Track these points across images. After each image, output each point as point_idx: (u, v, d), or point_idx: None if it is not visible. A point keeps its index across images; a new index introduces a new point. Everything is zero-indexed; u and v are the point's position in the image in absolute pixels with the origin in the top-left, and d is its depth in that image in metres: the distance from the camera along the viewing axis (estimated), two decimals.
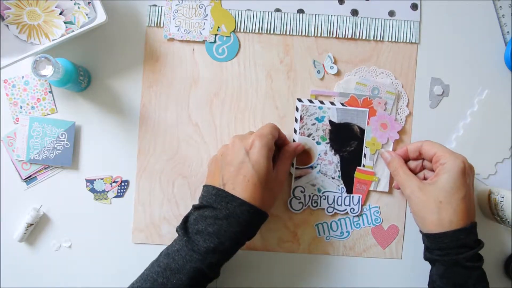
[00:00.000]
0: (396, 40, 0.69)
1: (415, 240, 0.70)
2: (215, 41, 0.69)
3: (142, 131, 0.69)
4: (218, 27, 0.68)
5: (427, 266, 0.70)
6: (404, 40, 0.69)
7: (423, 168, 0.65)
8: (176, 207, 0.69)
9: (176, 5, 0.69)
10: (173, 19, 0.68)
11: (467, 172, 0.58)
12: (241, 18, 0.69)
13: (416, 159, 0.65)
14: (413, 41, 0.69)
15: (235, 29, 0.69)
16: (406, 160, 0.65)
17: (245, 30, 0.69)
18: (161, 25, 0.69)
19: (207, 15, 0.69)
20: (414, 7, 0.69)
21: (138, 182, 0.69)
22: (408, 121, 0.69)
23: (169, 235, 0.69)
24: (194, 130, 0.69)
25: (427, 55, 0.70)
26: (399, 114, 0.69)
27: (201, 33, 0.69)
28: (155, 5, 0.69)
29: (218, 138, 0.69)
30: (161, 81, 0.69)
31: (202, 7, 0.69)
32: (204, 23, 0.69)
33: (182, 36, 0.68)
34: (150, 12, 0.69)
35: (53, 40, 0.65)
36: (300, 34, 0.69)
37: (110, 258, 0.70)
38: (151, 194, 0.69)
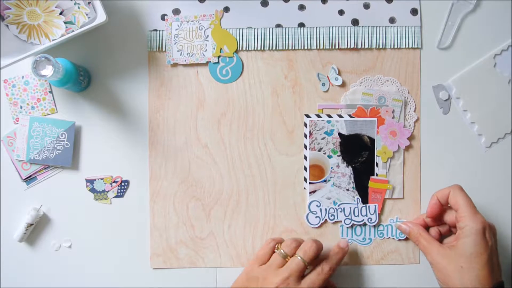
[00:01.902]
0: (399, 47, 0.69)
1: None
2: (218, 62, 0.69)
3: (152, 156, 0.69)
4: (221, 48, 0.68)
5: None
6: (407, 46, 0.69)
7: (441, 233, 0.66)
8: (192, 229, 0.69)
9: (176, 29, 0.69)
10: (175, 43, 0.68)
11: (487, 234, 0.58)
12: (242, 36, 0.69)
13: (440, 212, 0.65)
14: (416, 46, 0.69)
15: (237, 49, 0.69)
16: (425, 226, 0.66)
17: (247, 48, 0.69)
18: (163, 50, 0.69)
19: (208, 36, 0.69)
20: (414, 12, 0.69)
21: (152, 206, 0.69)
22: (416, 126, 0.69)
23: (187, 258, 0.69)
24: (204, 151, 0.69)
25: (431, 59, 0.70)
26: (407, 121, 0.69)
27: (204, 55, 0.69)
28: (156, 30, 0.69)
29: (229, 157, 0.69)
30: (167, 106, 0.69)
31: (202, 28, 0.69)
32: (206, 45, 0.69)
33: (185, 60, 0.68)
34: (151, 37, 0.69)
35: (53, 40, 0.64)
36: (302, 48, 0.69)
37: (110, 258, 0.70)
38: (166, 218, 0.69)
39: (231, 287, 0.64)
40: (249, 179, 0.69)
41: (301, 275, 0.62)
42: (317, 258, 0.64)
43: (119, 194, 0.69)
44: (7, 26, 0.65)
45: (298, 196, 0.69)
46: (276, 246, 0.65)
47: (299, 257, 0.62)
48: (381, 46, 0.69)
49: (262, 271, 0.62)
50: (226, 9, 0.69)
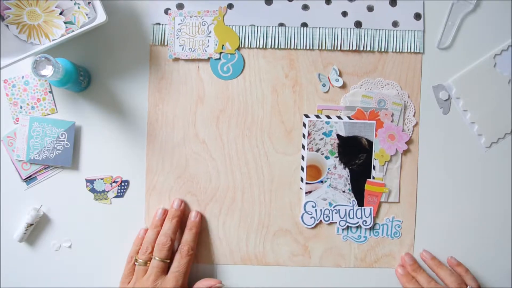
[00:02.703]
0: (401, 51, 0.69)
1: (426, 249, 0.70)
2: (219, 59, 0.69)
3: (149, 150, 0.69)
4: (223, 45, 0.68)
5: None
6: (409, 50, 0.69)
7: None
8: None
9: (179, 23, 0.68)
10: (177, 38, 0.68)
11: None
12: (244, 33, 0.69)
13: None
14: (418, 50, 0.69)
15: (239, 46, 0.69)
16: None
17: (249, 46, 0.69)
18: (165, 44, 0.69)
19: (210, 32, 0.69)
20: (417, 16, 0.69)
21: (147, 200, 0.69)
22: (415, 131, 0.69)
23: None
24: (202, 147, 0.69)
25: (431, 59, 0.70)
26: (406, 125, 0.69)
27: (205, 51, 0.68)
28: (159, 24, 0.69)
29: (226, 154, 0.69)
30: (167, 100, 0.69)
31: (205, 24, 0.69)
32: (208, 40, 0.69)
33: (187, 55, 0.68)
34: (154, 30, 0.69)
35: (53, 40, 0.64)
36: (304, 47, 0.69)
37: (110, 258, 0.70)
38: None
39: None
40: (245, 177, 0.69)
41: (166, 270, 0.64)
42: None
43: (119, 194, 0.69)
44: (7, 26, 0.65)
45: (294, 195, 0.69)
46: (134, 258, 0.66)
47: (156, 258, 0.64)
48: (383, 49, 0.69)
49: (132, 286, 0.64)
50: (230, 6, 0.69)
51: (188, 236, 0.66)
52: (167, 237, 0.65)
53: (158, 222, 0.67)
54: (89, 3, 0.65)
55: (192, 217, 0.68)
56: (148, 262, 0.64)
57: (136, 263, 0.65)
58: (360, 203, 0.69)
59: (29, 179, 0.69)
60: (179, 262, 0.64)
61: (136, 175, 0.69)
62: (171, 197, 0.69)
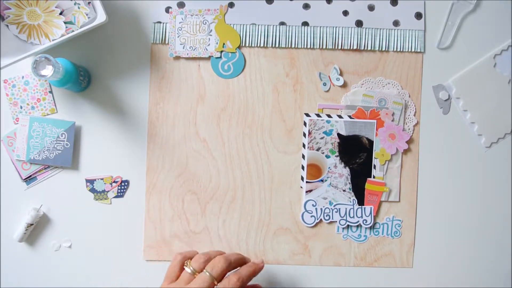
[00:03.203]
0: (402, 50, 0.69)
1: (426, 249, 0.70)
2: (220, 57, 0.69)
3: (150, 149, 0.69)
4: (223, 43, 0.68)
5: (438, 274, 0.71)
6: (409, 50, 0.69)
7: None
8: (186, 223, 0.69)
9: (180, 22, 0.68)
10: (178, 36, 0.68)
11: None
12: (245, 32, 0.69)
13: None
14: (418, 50, 0.69)
15: (240, 44, 0.69)
16: None
17: (250, 45, 0.69)
18: (166, 42, 0.69)
19: (211, 30, 0.69)
20: (418, 16, 0.69)
21: (148, 199, 0.69)
22: (415, 130, 0.70)
23: (180, 251, 0.69)
24: (202, 145, 0.69)
25: (431, 59, 0.70)
26: (406, 124, 0.69)
27: (206, 49, 0.68)
28: (160, 22, 0.69)
29: (227, 152, 0.69)
30: (168, 98, 0.69)
31: (205, 23, 0.69)
32: (209, 39, 0.69)
33: (188, 54, 0.68)
34: (154, 29, 0.69)
35: (53, 40, 0.64)
36: (305, 46, 0.69)
37: (110, 258, 0.70)
38: (161, 211, 0.69)
39: None
40: (246, 176, 0.69)
41: None
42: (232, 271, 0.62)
43: (119, 194, 0.69)
44: (7, 26, 0.65)
45: (294, 194, 0.69)
46: (186, 262, 0.62)
47: (206, 273, 0.59)
48: (384, 49, 0.69)
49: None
50: (231, 5, 0.69)
51: (245, 271, 0.62)
52: (227, 262, 0.60)
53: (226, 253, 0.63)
54: (89, 3, 0.65)
55: (257, 260, 0.64)
56: (197, 274, 0.60)
57: (186, 266, 0.61)
58: (361, 202, 0.69)
59: (29, 179, 0.69)
60: (223, 286, 0.59)
61: (136, 175, 0.69)
62: (172, 195, 0.69)
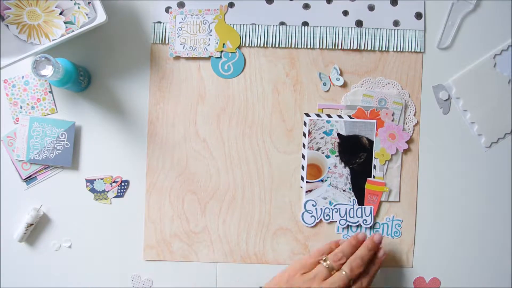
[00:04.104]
0: (402, 50, 0.69)
1: (426, 248, 0.70)
2: (220, 57, 0.69)
3: (150, 149, 0.69)
4: (223, 43, 0.68)
5: (438, 273, 0.71)
6: (409, 50, 0.69)
7: None
8: (186, 223, 0.69)
9: (180, 22, 0.69)
10: (178, 36, 0.68)
11: None
12: (245, 32, 0.69)
13: None
14: (418, 50, 0.69)
15: (240, 44, 0.69)
16: None
17: (250, 45, 0.69)
18: (166, 42, 0.69)
19: (211, 30, 0.69)
20: (418, 16, 0.69)
21: (148, 199, 0.69)
22: (416, 130, 0.70)
23: (180, 251, 0.69)
24: (202, 146, 0.69)
25: (431, 59, 0.70)
26: (407, 124, 0.69)
27: (206, 49, 0.69)
28: (160, 22, 0.69)
29: (227, 152, 0.69)
30: (168, 98, 0.69)
31: (205, 23, 0.69)
32: (209, 39, 0.69)
33: (187, 54, 0.68)
34: (154, 29, 0.69)
35: (53, 40, 0.64)
36: (305, 46, 0.69)
37: (110, 258, 0.70)
38: (161, 211, 0.69)
39: (267, 285, 0.62)
40: (246, 176, 0.69)
41: None
42: None
43: (119, 194, 0.69)
44: (7, 26, 0.65)
45: (294, 194, 0.69)
46: (324, 257, 0.62)
47: (344, 273, 0.60)
48: (384, 49, 0.69)
49: (305, 281, 0.60)
50: (231, 5, 0.69)
51: (373, 271, 0.63)
52: (363, 261, 0.62)
53: (357, 244, 0.64)
54: (89, 3, 0.65)
55: (380, 254, 0.64)
56: (334, 271, 0.61)
57: (323, 262, 0.61)
58: (361, 202, 0.69)
59: (29, 179, 0.69)
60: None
61: (136, 175, 0.69)
62: (172, 195, 0.69)
